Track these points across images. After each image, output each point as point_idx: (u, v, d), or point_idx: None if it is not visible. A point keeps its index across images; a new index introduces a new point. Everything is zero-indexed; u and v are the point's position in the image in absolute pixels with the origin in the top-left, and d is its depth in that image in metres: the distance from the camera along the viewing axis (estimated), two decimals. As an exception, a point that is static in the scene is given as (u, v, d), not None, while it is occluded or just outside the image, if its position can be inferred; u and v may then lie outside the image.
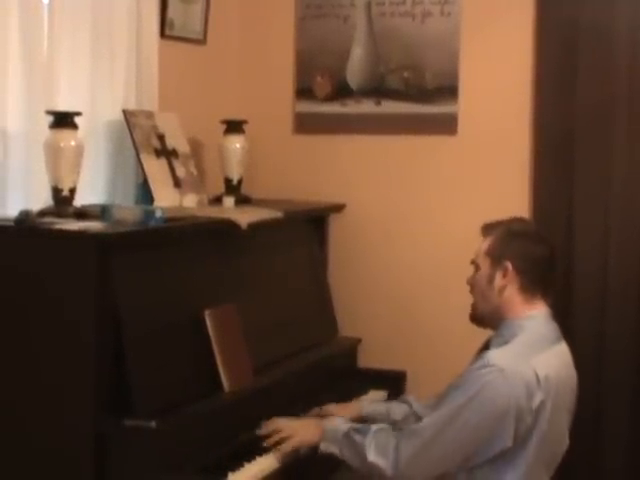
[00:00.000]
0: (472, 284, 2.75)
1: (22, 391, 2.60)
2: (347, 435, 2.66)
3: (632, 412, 3.67)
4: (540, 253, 2.70)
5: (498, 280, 2.66)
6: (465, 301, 2.78)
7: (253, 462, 2.70)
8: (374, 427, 2.66)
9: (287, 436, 2.76)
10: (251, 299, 3.16)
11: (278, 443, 2.76)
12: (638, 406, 3.67)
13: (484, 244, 2.74)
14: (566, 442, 2.69)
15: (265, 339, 3.15)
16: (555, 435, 2.60)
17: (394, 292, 3.84)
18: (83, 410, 2.53)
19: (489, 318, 2.71)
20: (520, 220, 2.85)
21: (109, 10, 3.18)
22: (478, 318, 2.75)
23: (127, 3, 3.24)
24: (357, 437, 2.64)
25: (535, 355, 2.55)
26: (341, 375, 3.51)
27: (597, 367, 3.68)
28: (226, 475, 2.59)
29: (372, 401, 3.31)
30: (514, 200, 3.72)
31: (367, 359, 3.78)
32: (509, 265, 2.65)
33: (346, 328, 3.79)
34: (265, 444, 2.76)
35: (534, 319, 2.64)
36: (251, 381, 2.97)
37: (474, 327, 2.78)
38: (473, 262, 2.76)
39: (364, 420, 3.01)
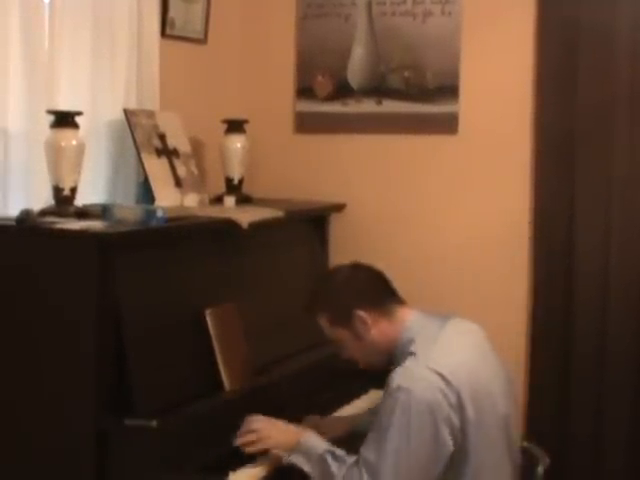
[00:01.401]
0: (350, 354, 2.73)
1: (23, 390, 2.60)
2: (323, 458, 2.58)
3: (633, 412, 3.66)
4: (363, 277, 2.70)
5: (363, 331, 2.64)
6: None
7: (254, 461, 2.69)
8: (349, 460, 2.56)
9: (262, 437, 2.69)
10: (252, 298, 3.16)
11: (250, 444, 2.69)
12: (639, 406, 3.67)
13: (324, 323, 2.70)
14: (509, 413, 2.62)
15: (266, 338, 3.15)
16: (490, 419, 2.55)
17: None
18: (84, 409, 2.54)
19: (383, 359, 2.69)
20: (324, 277, 2.80)
21: (110, 9, 3.18)
22: (374, 367, 2.74)
23: (128, 2, 3.24)
24: (333, 465, 2.56)
25: (429, 356, 2.52)
26: (342, 375, 3.50)
27: (598, 367, 3.68)
28: (227, 474, 2.60)
29: (361, 413, 3.25)
30: (515, 200, 3.73)
31: (368, 358, 3.78)
32: (360, 312, 2.63)
33: (347, 327, 3.78)
34: (236, 444, 2.69)
35: (410, 328, 2.63)
36: (252, 380, 2.97)
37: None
38: (334, 341, 2.73)
39: (356, 435, 2.97)
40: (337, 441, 2.85)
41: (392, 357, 2.65)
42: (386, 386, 2.54)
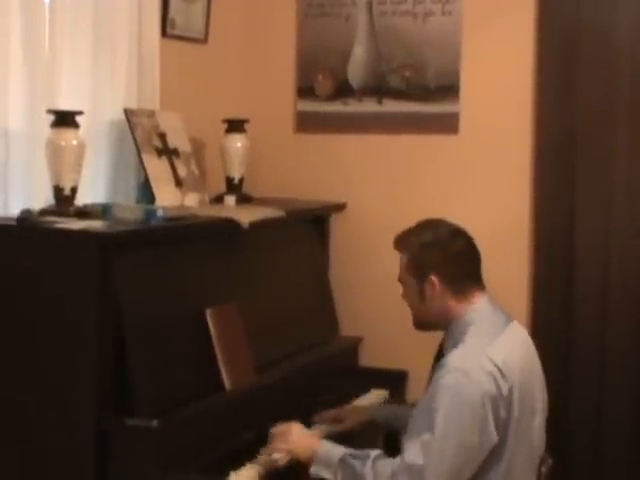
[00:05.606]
0: (406, 299, 2.77)
1: (24, 390, 2.60)
2: (344, 460, 2.56)
3: (633, 413, 3.66)
4: (458, 249, 2.68)
5: (429, 294, 2.66)
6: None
7: (255, 461, 2.70)
8: (372, 453, 2.56)
9: (278, 440, 2.70)
10: (252, 298, 3.16)
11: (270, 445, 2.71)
12: (639, 407, 3.66)
13: (403, 262, 2.73)
14: (541, 426, 2.65)
15: (266, 338, 3.15)
16: (528, 420, 2.56)
17: (395, 291, 3.78)
18: (85, 409, 2.54)
19: (434, 324, 2.72)
20: (428, 224, 2.78)
21: (110, 9, 3.17)
22: (423, 326, 2.77)
23: (128, 2, 3.24)
24: (356, 463, 2.54)
25: (489, 345, 2.53)
26: (342, 374, 3.51)
27: (598, 368, 3.68)
28: (228, 474, 2.60)
29: (378, 404, 3.32)
30: (515, 200, 3.72)
31: (368, 358, 3.78)
32: (434, 278, 2.64)
33: (347, 327, 3.79)
34: (260, 452, 2.71)
35: (478, 312, 2.63)
36: (252, 380, 2.97)
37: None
38: (399, 280, 2.76)
39: (376, 423, 3.01)
40: (356, 431, 2.96)
41: (445, 326, 2.67)
42: (440, 366, 2.54)
